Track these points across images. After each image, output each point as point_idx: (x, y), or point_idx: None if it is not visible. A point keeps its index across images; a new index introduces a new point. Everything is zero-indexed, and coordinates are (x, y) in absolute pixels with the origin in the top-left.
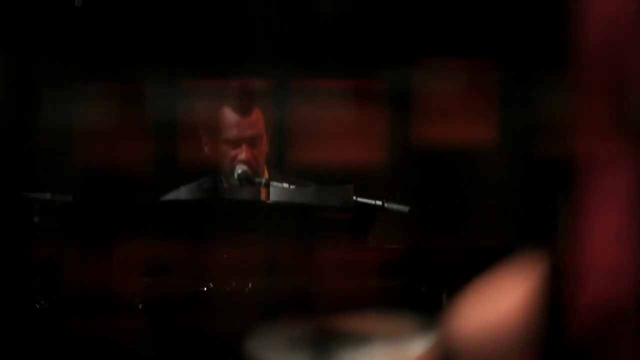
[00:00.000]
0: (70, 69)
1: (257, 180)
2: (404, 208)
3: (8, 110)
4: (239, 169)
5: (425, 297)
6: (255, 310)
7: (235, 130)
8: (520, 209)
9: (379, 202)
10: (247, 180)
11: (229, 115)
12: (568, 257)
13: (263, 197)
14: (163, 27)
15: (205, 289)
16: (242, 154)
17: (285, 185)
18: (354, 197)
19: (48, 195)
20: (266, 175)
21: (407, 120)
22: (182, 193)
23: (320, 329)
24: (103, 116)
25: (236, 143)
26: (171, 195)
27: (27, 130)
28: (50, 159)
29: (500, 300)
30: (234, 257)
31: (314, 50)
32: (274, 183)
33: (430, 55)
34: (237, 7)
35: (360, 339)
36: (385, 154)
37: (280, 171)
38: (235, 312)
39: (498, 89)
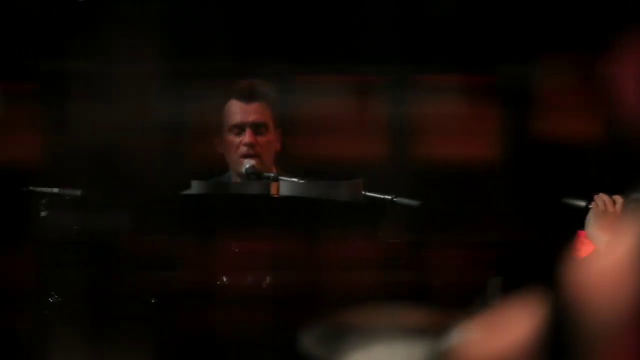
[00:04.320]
0: None
1: (266, 175)
2: (414, 203)
3: None
4: (247, 164)
5: (438, 291)
6: (268, 305)
7: (239, 116)
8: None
9: (388, 197)
10: (255, 175)
11: (233, 103)
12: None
13: (273, 192)
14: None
15: (218, 283)
16: (246, 139)
17: (295, 179)
18: (364, 192)
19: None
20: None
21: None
22: (194, 188)
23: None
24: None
25: (240, 129)
26: (185, 191)
27: None
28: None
29: (506, 334)
30: (243, 252)
31: (424, 45)
32: (283, 178)
33: (542, 53)
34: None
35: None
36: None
37: (289, 168)
38: (248, 307)
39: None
